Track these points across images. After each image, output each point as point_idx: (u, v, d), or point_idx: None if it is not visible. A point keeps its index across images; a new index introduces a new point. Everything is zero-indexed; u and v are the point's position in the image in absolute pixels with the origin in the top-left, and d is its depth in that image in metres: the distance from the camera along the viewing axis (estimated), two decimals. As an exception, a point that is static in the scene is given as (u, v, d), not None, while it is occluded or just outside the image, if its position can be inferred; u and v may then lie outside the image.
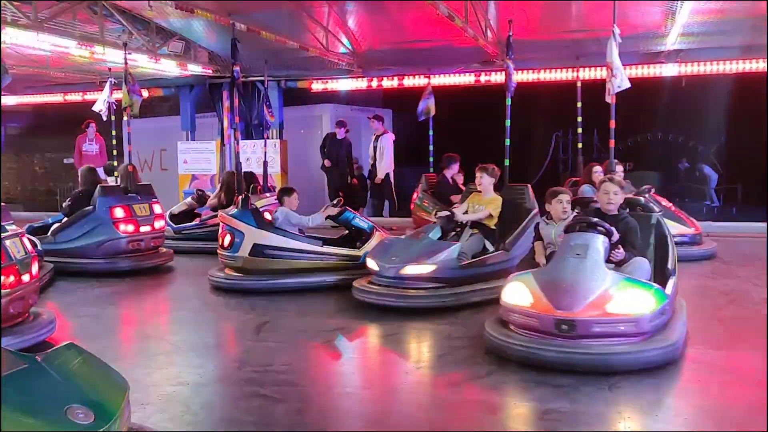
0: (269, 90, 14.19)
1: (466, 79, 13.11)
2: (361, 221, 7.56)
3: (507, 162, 7.73)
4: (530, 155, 17.85)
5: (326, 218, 7.44)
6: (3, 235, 4.93)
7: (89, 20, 10.84)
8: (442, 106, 11.79)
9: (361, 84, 13.81)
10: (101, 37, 10.74)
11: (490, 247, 6.69)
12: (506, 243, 6.54)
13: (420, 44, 11.92)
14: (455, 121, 14.96)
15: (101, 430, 2.35)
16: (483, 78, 12.98)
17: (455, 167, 10.25)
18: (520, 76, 12.52)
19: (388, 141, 12.53)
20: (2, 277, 4.77)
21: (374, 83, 13.69)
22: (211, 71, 13.64)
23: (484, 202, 6.88)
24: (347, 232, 7.67)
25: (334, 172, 13.15)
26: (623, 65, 6.16)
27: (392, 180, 12.64)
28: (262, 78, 13.98)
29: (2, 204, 5.42)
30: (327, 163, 13.14)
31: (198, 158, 14.60)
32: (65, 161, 13.44)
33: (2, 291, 4.78)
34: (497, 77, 12.68)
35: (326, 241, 7.39)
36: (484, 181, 6.88)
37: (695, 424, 3.55)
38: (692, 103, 14.71)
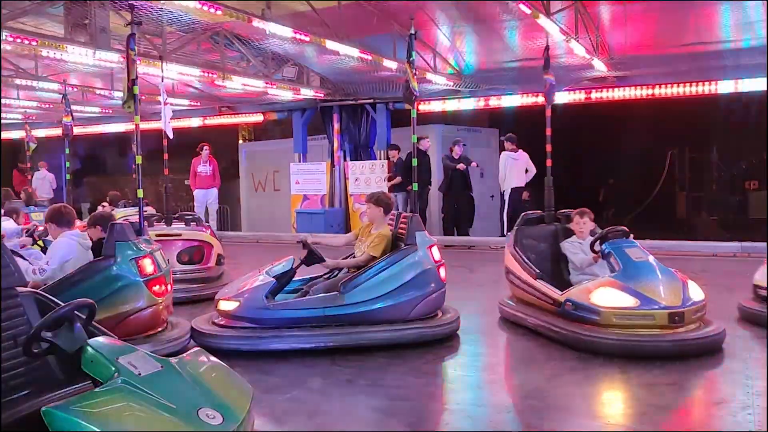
0: (377, 113, 14.49)
1: (576, 96, 12.85)
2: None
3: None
4: (644, 173, 17.22)
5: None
6: (150, 247, 5.33)
7: (211, 49, 11.52)
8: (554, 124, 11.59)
9: (468, 105, 13.81)
10: (222, 65, 11.35)
11: None
12: (343, 282, 5.36)
13: (527, 63, 11.82)
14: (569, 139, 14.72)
15: (229, 431, 2.49)
16: (594, 95, 12.68)
17: None
18: (634, 92, 12.18)
19: (502, 159, 12.30)
20: (157, 286, 5.16)
21: (481, 103, 13.66)
22: (322, 95, 14.10)
23: (370, 238, 5.76)
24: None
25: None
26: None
27: (506, 199, 12.26)
28: (371, 101, 14.34)
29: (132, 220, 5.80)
30: (462, 166, 12.55)
31: (309, 179, 15.07)
32: (185, 182, 14.23)
33: (158, 299, 5.16)
34: (609, 94, 12.38)
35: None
36: (370, 212, 5.86)
37: None
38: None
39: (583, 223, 6.04)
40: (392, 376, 4.62)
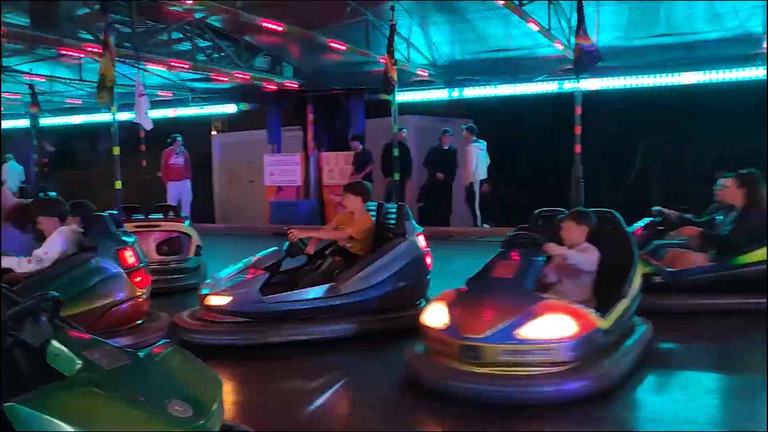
0: (352, 104, 14.44)
1: (548, 87, 12.93)
2: None
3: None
4: (615, 165, 17.34)
5: None
6: (130, 240, 5.29)
7: (182, 39, 11.38)
8: (524, 116, 11.69)
9: (442, 94, 13.83)
10: (192, 55, 11.22)
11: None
12: (340, 276, 5.32)
13: (502, 53, 11.87)
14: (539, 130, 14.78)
15: (198, 424, 2.45)
16: (567, 86, 12.76)
17: None
18: (605, 82, 12.28)
19: (471, 150, 12.39)
20: (138, 278, 5.14)
21: (456, 94, 13.68)
22: (296, 85, 14.00)
23: (351, 223, 5.71)
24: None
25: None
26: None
27: (477, 189, 12.39)
28: (345, 91, 14.28)
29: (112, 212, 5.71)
30: (441, 175, 12.50)
31: (284, 170, 14.98)
32: (157, 174, 14.04)
33: (139, 290, 5.14)
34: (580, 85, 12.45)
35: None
36: (349, 202, 5.72)
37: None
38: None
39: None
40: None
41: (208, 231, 13.84)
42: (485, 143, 12.21)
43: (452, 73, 13.17)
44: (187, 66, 11.26)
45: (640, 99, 13.03)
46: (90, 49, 9.61)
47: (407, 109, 14.59)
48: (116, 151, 5.88)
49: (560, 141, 15.35)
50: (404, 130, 12.62)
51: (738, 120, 14.76)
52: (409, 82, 13.40)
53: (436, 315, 4.14)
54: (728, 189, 6.14)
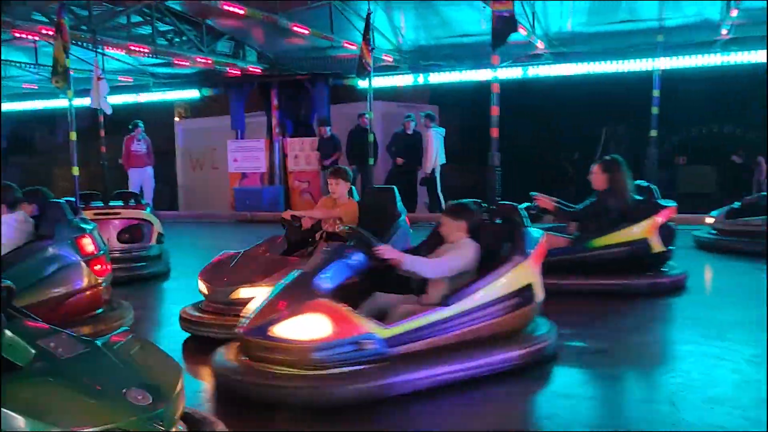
0: (316, 89, 14.36)
1: (513, 73, 13.00)
2: None
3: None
4: (580, 150, 17.56)
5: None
6: (88, 227, 5.16)
7: (142, 23, 11.14)
8: (487, 102, 11.63)
9: (408, 80, 13.81)
10: (153, 39, 10.99)
11: None
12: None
13: (466, 39, 11.88)
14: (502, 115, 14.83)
15: (158, 411, 2.42)
16: (531, 72, 12.85)
17: None
18: (571, 69, 12.39)
19: (432, 136, 12.42)
20: (98, 266, 5.03)
21: (421, 79, 13.67)
22: (260, 70, 13.83)
23: (337, 206, 5.77)
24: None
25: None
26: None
27: (437, 175, 12.47)
28: (309, 76, 14.17)
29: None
30: (400, 160, 12.43)
31: (248, 156, 14.83)
32: (119, 161, 13.77)
33: (99, 279, 5.03)
34: (546, 71, 12.58)
35: None
36: (340, 188, 5.76)
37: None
38: (749, 93, 14.24)
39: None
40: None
41: (171, 219, 13.72)
42: (444, 130, 12.24)
43: (417, 58, 13.15)
44: (147, 50, 11.03)
45: (602, 85, 13.18)
46: (44, 31, 9.35)
47: (372, 94, 14.53)
48: (73, 136, 5.73)
49: (524, 127, 15.52)
50: (368, 114, 12.56)
51: (698, 106, 15.06)
52: (375, 67, 13.29)
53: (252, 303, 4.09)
54: (594, 174, 6.42)
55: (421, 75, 13.59)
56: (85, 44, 9.95)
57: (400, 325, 3.78)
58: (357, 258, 4.03)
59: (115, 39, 10.39)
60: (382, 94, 15.03)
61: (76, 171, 5.67)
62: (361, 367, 3.64)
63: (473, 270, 4.15)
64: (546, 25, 11.49)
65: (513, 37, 11.30)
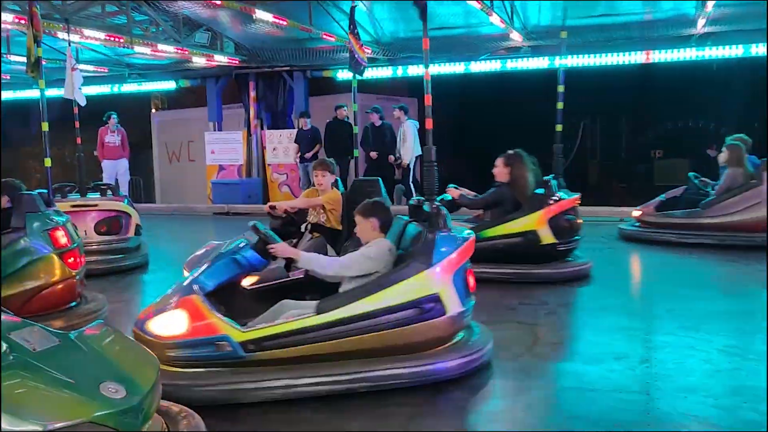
0: (295, 81, 14.28)
1: (492, 66, 13.02)
2: None
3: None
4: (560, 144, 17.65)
5: None
6: (61, 219, 5.11)
7: (117, 12, 10.98)
8: (467, 94, 11.75)
9: (386, 72, 13.77)
10: (128, 29, 10.85)
11: (334, 254, 5.11)
12: (344, 245, 5.13)
13: (445, 32, 11.86)
14: (480, 109, 14.89)
15: (133, 404, 2.40)
16: (509, 65, 12.88)
17: None
18: (547, 62, 12.43)
19: (409, 127, 12.39)
20: (71, 259, 4.98)
21: (400, 72, 13.64)
22: (237, 62, 13.72)
23: (328, 203, 5.73)
24: None
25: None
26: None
27: (412, 167, 12.40)
28: (287, 68, 14.09)
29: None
30: (374, 154, 12.20)
31: (225, 149, 14.72)
32: (94, 152, 13.60)
33: (73, 272, 4.98)
34: (524, 63, 12.62)
35: None
36: (326, 180, 5.74)
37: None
38: (724, 88, 14.43)
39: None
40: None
41: (148, 211, 13.59)
42: (417, 122, 12.25)
43: (396, 51, 13.11)
44: (122, 40, 10.87)
45: (579, 78, 13.26)
46: (16, 20, 9.19)
47: (350, 87, 14.50)
48: (45, 127, 5.62)
49: (501, 119, 15.59)
50: (345, 107, 12.54)
51: (673, 99, 15.23)
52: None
53: None
54: (497, 168, 6.67)
55: (400, 67, 13.56)
56: (56, 32, 9.78)
57: (257, 328, 3.64)
58: (245, 255, 3.94)
59: (90, 29, 10.22)
60: (361, 87, 14.95)
61: (48, 162, 5.57)
62: (217, 369, 3.57)
63: (389, 271, 3.87)
64: (524, 17, 11.51)
65: (491, 30, 11.42)
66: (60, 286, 4.93)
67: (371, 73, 13.85)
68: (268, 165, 14.39)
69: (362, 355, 3.69)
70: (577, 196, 6.71)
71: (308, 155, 12.72)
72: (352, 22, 6.87)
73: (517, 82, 13.75)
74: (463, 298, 3.87)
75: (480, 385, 3.86)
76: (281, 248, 3.96)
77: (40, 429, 2.13)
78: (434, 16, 11.56)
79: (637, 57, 11.94)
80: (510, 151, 6.67)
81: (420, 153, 12.14)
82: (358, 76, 7.36)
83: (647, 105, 16.27)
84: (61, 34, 9.41)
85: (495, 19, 10.16)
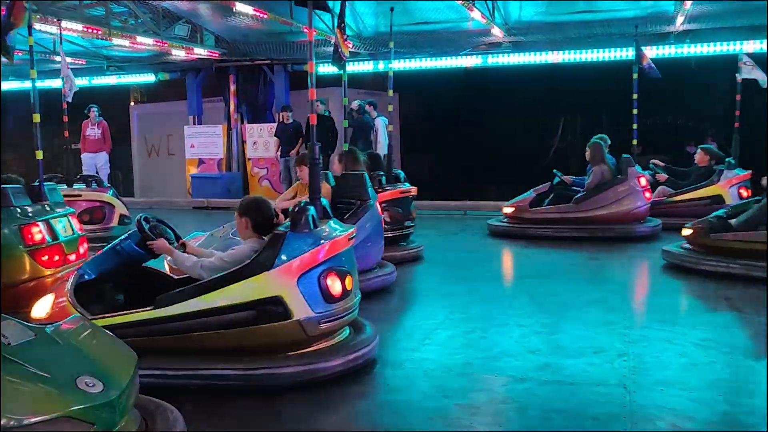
0: (275, 75, 14.20)
1: (472, 61, 13.06)
2: None
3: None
4: (538, 141, 17.74)
5: None
6: (51, 215, 5.00)
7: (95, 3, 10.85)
8: (448, 90, 11.75)
9: (368, 67, 13.74)
10: (107, 21, 10.72)
11: None
12: None
13: (427, 26, 11.86)
14: (462, 104, 14.90)
15: (110, 399, 2.38)
16: (491, 60, 12.91)
17: None
18: (528, 58, 12.49)
19: (380, 124, 12.46)
20: (46, 257, 4.87)
21: (382, 66, 13.61)
22: (217, 55, 13.61)
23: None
24: None
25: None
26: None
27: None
28: (267, 61, 14.00)
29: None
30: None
31: (205, 142, 14.62)
32: (73, 146, 13.42)
33: (45, 270, 4.85)
34: (505, 59, 12.66)
35: None
36: (305, 174, 5.94)
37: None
38: (703, 85, 14.56)
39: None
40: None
41: (128, 205, 13.43)
42: (386, 119, 12.27)
43: (377, 45, 13.08)
44: (100, 32, 10.74)
45: (560, 74, 13.34)
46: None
47: (331, 81, 14.45)
48: (36, 119, 5.49)
49: (480, 115, 15.63)
50: (322, 101, 12.55)
51: (653, 97, 15.32)
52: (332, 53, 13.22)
53: None
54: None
55: (381, 62, 13.54)
56: (33, 24, 9.61)
57: (102, 317, 3.64)
58: (124, 246, 4.11)
59: (66, 20, 10.07)
60: (340, 81, 14.91)
61: (40, 155, 5.42)
62: None
63: (227, 271, 3.72)
64: (506, 13, 11.54)
65: (473, 25, 11.43)
66: (30, 284, 4.72)
67: (353, 68, 13.80)
68: (249, 159, 14.31)
69: (209, 353, 3.59)
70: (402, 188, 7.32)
71: (292, 153, 12.67)
72: (342, 17, 6.86)
73: (497, 79, 13.80)
74: (315, 302, 3.63)
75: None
76: (158, 245, 4.07)
77: (16, 424, 2.11)
78: (416, 10, 11.58)
79: (618, 53, 12.03)
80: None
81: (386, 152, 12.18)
82: (348, 72, 7.42)
83: (627, 102, 16.38)
84: (38, 25, 9.27)
85: (476, 14, 10.18)
